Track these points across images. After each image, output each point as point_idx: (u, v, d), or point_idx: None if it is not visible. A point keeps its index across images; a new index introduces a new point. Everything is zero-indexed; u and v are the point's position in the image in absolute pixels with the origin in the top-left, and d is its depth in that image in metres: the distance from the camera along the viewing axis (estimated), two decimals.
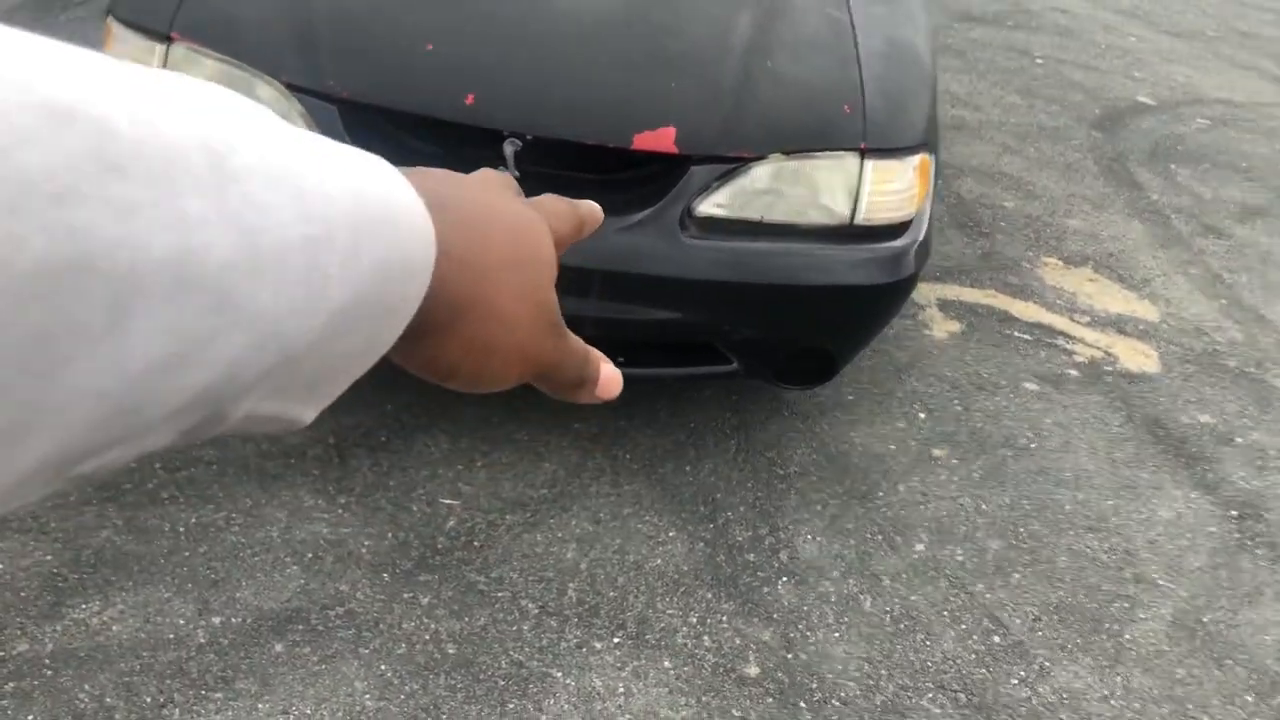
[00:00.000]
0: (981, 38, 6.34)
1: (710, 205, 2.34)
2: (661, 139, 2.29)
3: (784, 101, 2.44)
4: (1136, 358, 3.44)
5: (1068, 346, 3.44)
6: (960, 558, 2.52)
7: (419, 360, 0.43)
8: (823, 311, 2.47)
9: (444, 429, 2.63)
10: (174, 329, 0.25)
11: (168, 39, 2.28)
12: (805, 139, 2.39)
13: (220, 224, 0.26)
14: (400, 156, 2.29)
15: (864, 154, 2.40)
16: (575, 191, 2.06)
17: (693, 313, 2.41)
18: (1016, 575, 2.50)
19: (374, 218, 0.33)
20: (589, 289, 2.30)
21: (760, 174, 2.35)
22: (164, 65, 2.27)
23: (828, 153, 2.39)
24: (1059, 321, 3.56)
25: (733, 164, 2.33)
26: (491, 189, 0.49)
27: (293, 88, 2.26)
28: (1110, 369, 3.36)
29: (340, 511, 2.35)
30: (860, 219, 2.41)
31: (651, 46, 2.44)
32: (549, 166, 2.37)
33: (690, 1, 2.59)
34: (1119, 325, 3.61)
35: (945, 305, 3.52)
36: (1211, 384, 3.38)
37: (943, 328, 3.40)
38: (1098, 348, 3.46)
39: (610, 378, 0.54)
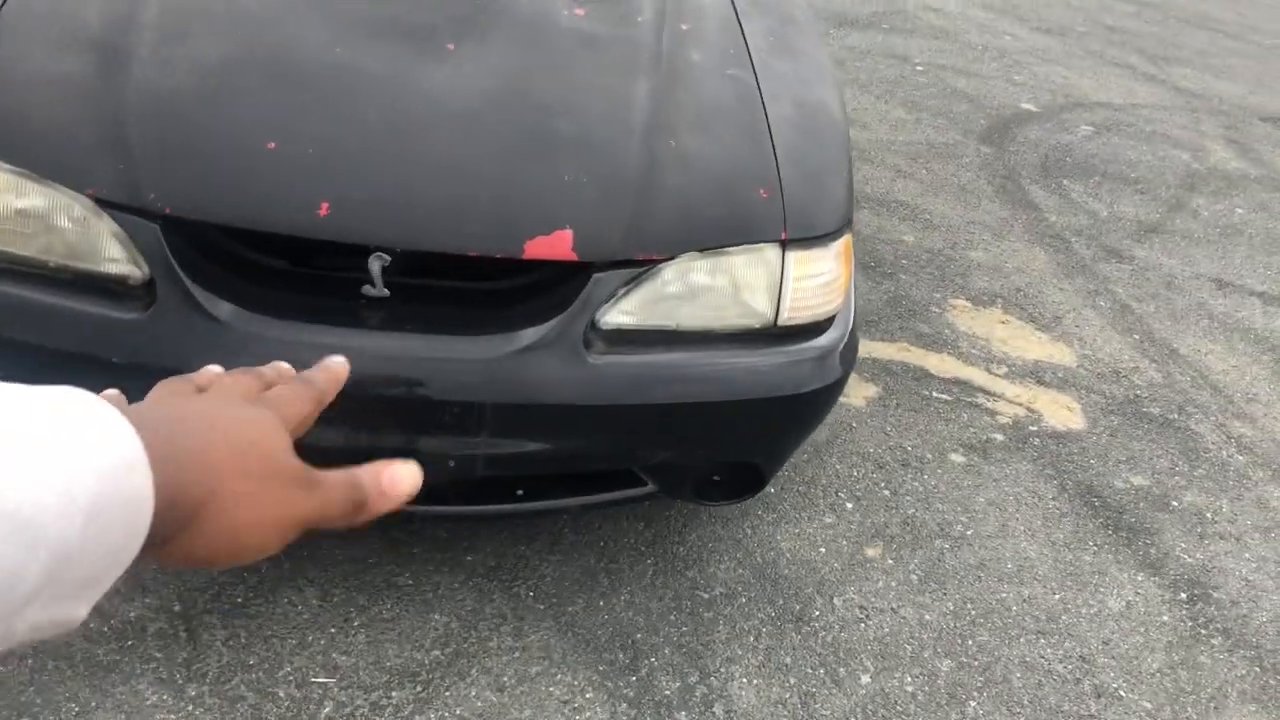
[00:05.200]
0: (859, 44, 6.14)
1: (617, 314, 2.00)
2: (557, 245, 1.94)
3: (693, 189, 2.11)
4: (1060, 413, 3.25)
5: (989, 405, 3.22)
6: (910, 688, 2.26)
7: (179, 556, 0.50)
8: (748, 426, 2.16)
9: (312, 578, 2.25)
10: None
11: None
12: (720, 233, 2.07)
13: None
14: (241, 275, 1.90)
15: (785, 245, 2.10)
16: (458, 307, 1.67)
17: (603, 440, 2.07)
18: (972, 704, 2.25)
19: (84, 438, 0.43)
20: (479, 425, 1.95)
21: (671, 276, 2.03)
22: None
23: (745, 247, 2.08)
24: (977, 375, 3.34)
25: (641, 267, 2.00)
26: (213, 400, 0.57)
27: (103, 203, 1.83)
28: (1035, 428, 3.15)
29: (191, 707, 1.94)
30: (784, 318, 2.11)
31: (537, 131, 2.08)
32: (425, 277, 2.01)
33: (578, 72, 2.23)
34: (1037, 374, 3.41)
35: (860, 365, 3.26)
36: (1139, 437, 3.21)
37: (860, 393, 3.14)
38: (1019, 403, 3.25)
39: (395, 478, 0.60)
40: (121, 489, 0.43)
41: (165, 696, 1.95)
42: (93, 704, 1.92)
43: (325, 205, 1.86)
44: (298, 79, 2.05)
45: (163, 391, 0.58)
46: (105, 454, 0.43)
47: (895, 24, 6.68)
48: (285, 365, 0.66)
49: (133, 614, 2.09)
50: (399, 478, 0.59)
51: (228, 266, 1.93)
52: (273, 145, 1.91)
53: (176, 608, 2.12)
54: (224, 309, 1.85)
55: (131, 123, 1.90)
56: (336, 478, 0.57)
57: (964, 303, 3.73)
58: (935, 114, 5.36)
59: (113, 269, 1.86)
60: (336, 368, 0.69)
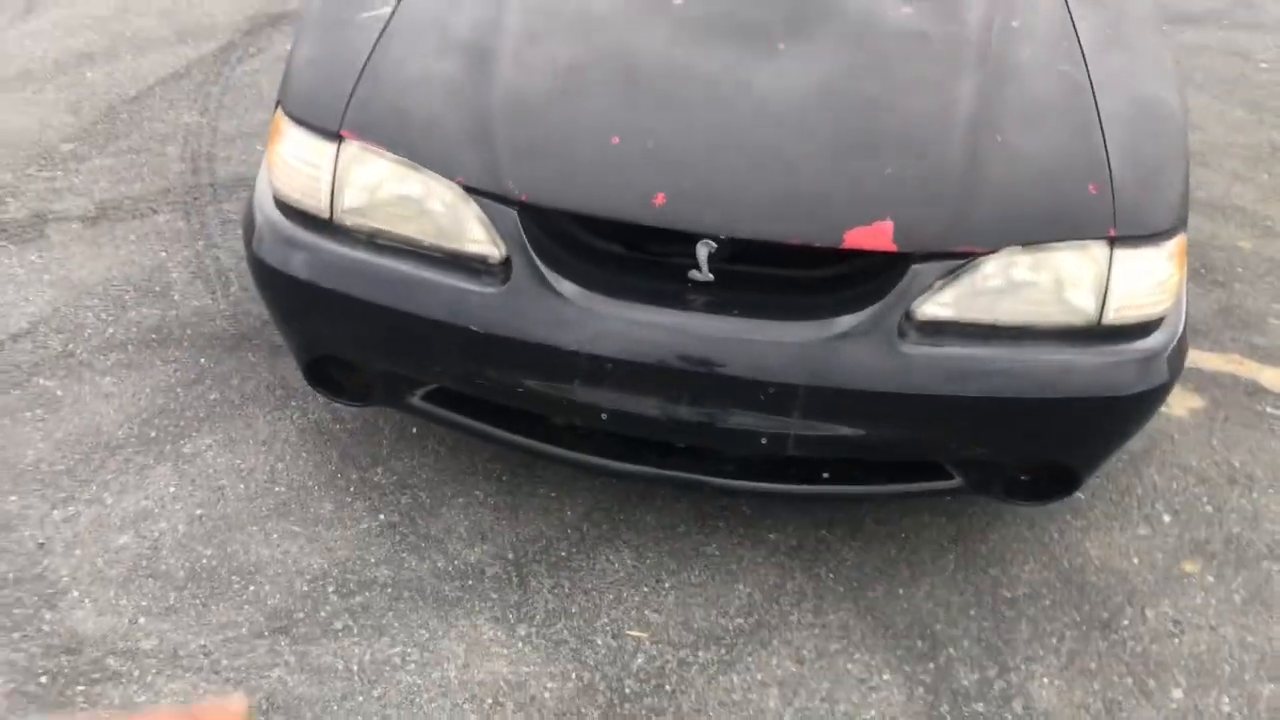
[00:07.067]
0: (1195, 41, 5.75)
1: (934, 306, 2.04)
2: (877, 235, 2.01)
3: (1018, 183, 2.12)
4: None
5: None
6: (1227, 708, 2.16)
7: None
8: (1065, 425, 2.13)
9: (627, 540, 2.42)
10: None
11: (338, 137, 2.12)
12: (1045, 228, 2.06)
13: None
14: (583, 258, 2.08)
15: (1113, 242, 2.06)
16: (777, 294, 1.76)
17: (914, 430, 2.11)
18: None
19: None
20: (792, 406, 2.04)
21: (993, 270, 2.04)
22: (335, 166, 2.12)
23: (1070, 243, 2.06)
24: None
25: (960, 260, 2.03)
26: None
27: (470, 190, 2.07)
28: None
29: (520, 645, 2.16)
30: (1109, 317, 2.07)
31: (862, 125, 2.15)
32: (748, 264, 2.12)
33: (905, 69, 2.28)
34: None
35: (1183, 375, 3.10)
36: None
37: (1182, 404, 3.00)
38: None
39: None
40: None
41: (499, 633, 2.18)
42: (439, 632, 2.17)
43: (661, 195, 2.02)
44: (639, 78, 2.22)
45: None
46: None
47: (1238, 19, 6.21)
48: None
49: (473, 558, 2.34)
50: None
51: (571, 249, 2.12)
52: (616, 140, 2.09)
53: (510, 555, 2.35)
54: (568, 288, 2.04)
55: (496, 118, 2.13)
56: None
57: None
58: None
59: (475, 249, 2.09)
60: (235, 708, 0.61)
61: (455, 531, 2.40)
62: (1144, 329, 2.12)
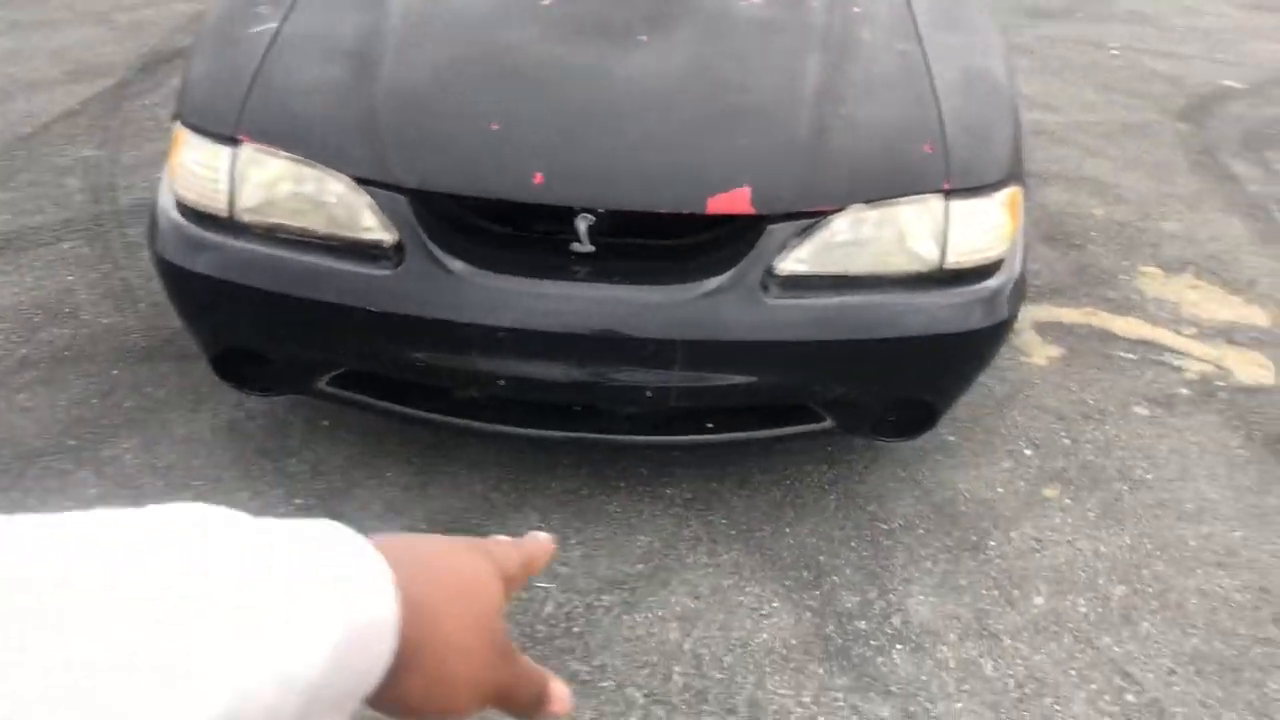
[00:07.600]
0: (1052, 33, 6.15)
1: (792, 262, 2.25)
2: (736, 200, 2.21)
3: (861, 148, 2.34)
4: (1250, 369, 3.26)
5: (1176, 363, 3.27)
6: (1083, 609, 2.39)
7: (393, 698, 0.50)
8: (917, 362, 2.36)
9: (535, 506, 2.58)
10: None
11: (234, 141, 2.27)
12: (885, 186, 2.29)
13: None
14: (472, 238, 2.25)
15: (948, 194, 2.29)
16: (652, 260, 1.95)
17: (781, 375, 2.32)
18: (1145, 624, 2.36)
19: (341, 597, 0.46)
20: (672, 360, 2.23)
21: (841, 225, 2.26)
22: (232, 168, 2.27)
23: (910, 197, 2.29)
24: (1164, 336, 3.40)
25: (812, 218, 2.24)
26: (439, 539, 0.57)
27: (361, 181, 2.23)
28: (1223, 384, 3.19)
29: None
30: (949, 262, 2.30)
31: (719, 105, 2.36)
32: (622, 235, 2.31)
33: (757, 54, 2.50)
34: (1228, 334, 3.43)
35: (1042, 328, 3.38)
36: None
37: (1042, 353, 3.26)
38: (1208, 361, 3.29)
39: (562, 695, 0.60)
40: (370, 619, 0.46)
41: None
42: None
43: (539, 175, 2.20)
44: (513, 70, 2.41)
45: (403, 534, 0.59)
46: (357, 586, 0.46)
47: (1091, 12, 6.65)
48: (503, 537, 0.65)
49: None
50: (566, 698, 0.61)
51: (461, 231, 2.29)
52: (495, 127, 2.27)
53: (423, 527, 2.50)
54: (458, 266, 2.21)
55: (381, 113, 2.30)
56: (532, 665, 0.59)
57: (1154, 269, 3.76)
58: (1130, 95, 5.34)
59: (369, 236, 2.25)
60: (544, 540, 0.67)
61: (369, 509, 2.54)
62: (983, 272, 2.36)
